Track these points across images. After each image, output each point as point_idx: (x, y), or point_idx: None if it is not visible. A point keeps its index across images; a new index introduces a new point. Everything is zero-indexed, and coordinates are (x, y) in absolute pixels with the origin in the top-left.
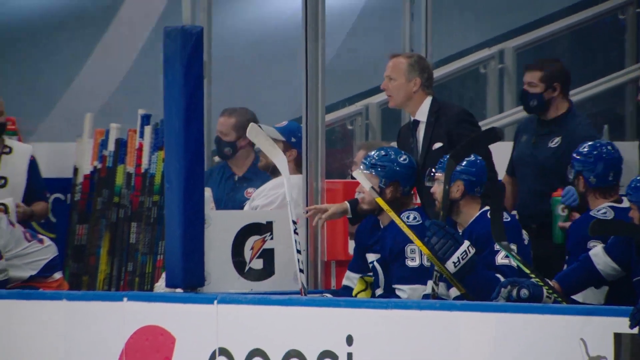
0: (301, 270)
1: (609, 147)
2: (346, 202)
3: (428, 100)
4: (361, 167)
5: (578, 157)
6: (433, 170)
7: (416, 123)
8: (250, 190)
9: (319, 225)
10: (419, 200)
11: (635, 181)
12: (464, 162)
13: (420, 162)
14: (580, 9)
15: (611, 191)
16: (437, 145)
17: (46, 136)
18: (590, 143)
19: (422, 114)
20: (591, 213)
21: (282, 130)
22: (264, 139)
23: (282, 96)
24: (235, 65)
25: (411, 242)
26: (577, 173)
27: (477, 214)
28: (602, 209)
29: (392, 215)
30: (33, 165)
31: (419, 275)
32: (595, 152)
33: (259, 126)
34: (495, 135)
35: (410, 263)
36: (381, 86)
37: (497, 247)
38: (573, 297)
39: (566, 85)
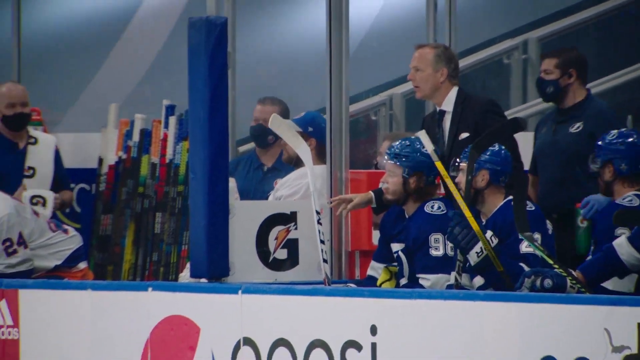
0: (325, 261)
1: (637, 136)
2: (370, 192)
3: (454, 90)
4: (385, 157)
5: (607, 145)
6: (457, 160)
7: (442, 113)
8: (279, 180)
9: (342, 215)
10: (443, 190)
11: None
12: (489, 152)
13: (446, 153)
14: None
15: (638, 179)
16: (464, 135)
17: (71, 127)
18: (617, 131)
19: (448, 104)
20: (617, 201)
21: (299, 121)
22: (287, 130)
23: (306, 87)
24: (260, 56)
25: (435, 231)
26: (607, 161)
27: (502, 203)
28: (628, 196)
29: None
30: (57, 155)
31: (443, 265)
32: (626, 140)
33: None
34: (519, 125)
35: (434, 252)
36: (408, 77)
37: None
38: (603, 284)
39: (583, 72)
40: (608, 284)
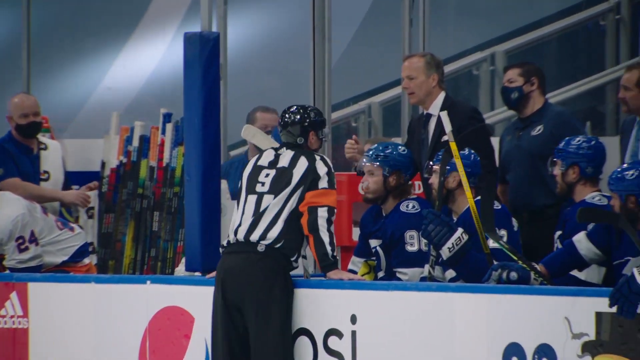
0: (304, 257)
1: (599, 141)
2: None
3: (442, 95)
4: (363, 160)
5: (573, 149)
6: (431, 163)
7: (429, 116)
8: None
9: None
10: (419, 191)
11: (616, 172)
12: (460, 156)
13: (429, 153)
14: (565, 15)
15: (597, 181)
16: (446, 137)
17: (76, 133)
18: (582, 137)
19: (435, 108)
20: (587, 200)
21: (275, 133)
22: (261, 138)
23: (290, 96)
24: (248, 67)
25: (410, 228)
26: (573, 164)
27: None
28: (596, 196)
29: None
30: (63, 160)
31: (418, 259)
32: (591, 144)
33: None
34: (486, 131)
35: (409, 248)
36: (402, 86)
37: None
38: (576, 275)
39: (543, 82)
40: (581, 274)
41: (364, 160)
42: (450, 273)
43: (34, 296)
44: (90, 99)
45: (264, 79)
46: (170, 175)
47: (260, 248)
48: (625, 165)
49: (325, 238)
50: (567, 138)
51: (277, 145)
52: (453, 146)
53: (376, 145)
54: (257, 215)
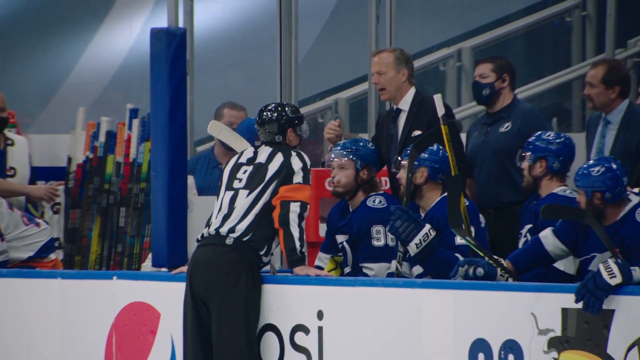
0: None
1: (569, 138)
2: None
3: (412, 91)
4: (332, 155)
5: (542, 144)
6: (399, 158)
7: (398, 111)
8: None
9: None
10: (386, 187)
11: (582, 168)
12: (428, 152)
13: (398, 148)
14: (531, 12)
15: (564, 177)
16: (417, 133)
17: (43, 128)
18: (553, 132)
19: (405, 103)
20: (558, 192)
21: (240, 128)
22: (228, 134)
23: (257, 92)
24: (215, 63)
25: (376, 223)
26: (540, 157)
27: (439, 198)
28: (567, 189)
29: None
30: (29, 156)
31: (384, 254)
32: (560, 140)
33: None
34: (454, 127)
35: (375, 243)
36: (372, 81)
37: None
38: (555, 265)
39: (513, 79)
40: (559, 265)
41: (333, 155)
42: (417, 269)
43: (0, 292)
44: (57, 94)
45: (231, 75)
46: (137, 171)
47: (229, 241)
48: (591, 161)
49: (295, 233)
50: (538, 133)
51: (243, 141)
52: (445, 129)
53: (344, 141)
54: (230, 210)
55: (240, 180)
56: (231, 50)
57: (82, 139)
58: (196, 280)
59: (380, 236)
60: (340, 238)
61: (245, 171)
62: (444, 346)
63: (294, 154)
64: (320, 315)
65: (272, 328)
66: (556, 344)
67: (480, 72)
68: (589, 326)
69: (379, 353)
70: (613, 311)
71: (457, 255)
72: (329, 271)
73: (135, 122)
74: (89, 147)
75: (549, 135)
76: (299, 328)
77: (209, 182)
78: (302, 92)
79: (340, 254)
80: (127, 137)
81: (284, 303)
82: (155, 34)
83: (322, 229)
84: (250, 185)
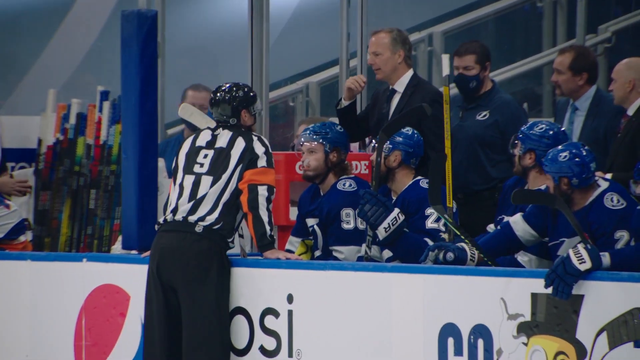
0: (241, 236)
1: (562, 132)
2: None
3: (409, 73)
4: (301, 140)
5: (533, 136)
6: (374, 141)
7: (393, 92)
8: None
9: None
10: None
11: (549, 153)
12: (403, 135)
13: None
14: None
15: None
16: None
17: (13, 110)
18: (545, 124)
19: (400, 85)
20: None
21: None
22: (199, 117)
23: (228, 75)
24: (186, 46)
25: (346, 206)
26: (530, 149)
27: (411, 182)
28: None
29: None
30: None
31: (354, 237)
32: (551, 134)
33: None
34: (424, 111)
35: (345, 226)
36: (368, 61)
37: (427, 212)
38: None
39: (490, 64)
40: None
41: (302, 139)
42: (387, 253)
43: None
44: (27, 76)
45: (201, 58)
46: (107, 153)
47: (198, 229)
48: (559, 147)
49: (265, 217)
50: (532, 122)
51: (214, 124)
52: (446, 90)
53: (313, 125)
54: (198, 198)
55: (202, 165)
56: (202, 34)
57: (53, 120)
58: (165, 267)
59: (350, 219)
60: (311, 221)
61: (206, 155)
62: (414, 330)
63: (255, 138)
64: (290, 298)
65: (242, 311)
66: (525, 329)
67: (464, 64)
68: (558, 311)
69: (349, 336)
70: (582, 296)
71: (427, 239)
72: (299, 255)
73: (106, 105)
74: (59, 129)
75: (541, 128)
76: (269, 311)
77: None
78: (273, 76)
79: (311, 237)
80: (98, 119)
81: (254, 286)
82: (126, 16)
83: (293, 212)
84: (213, 171)
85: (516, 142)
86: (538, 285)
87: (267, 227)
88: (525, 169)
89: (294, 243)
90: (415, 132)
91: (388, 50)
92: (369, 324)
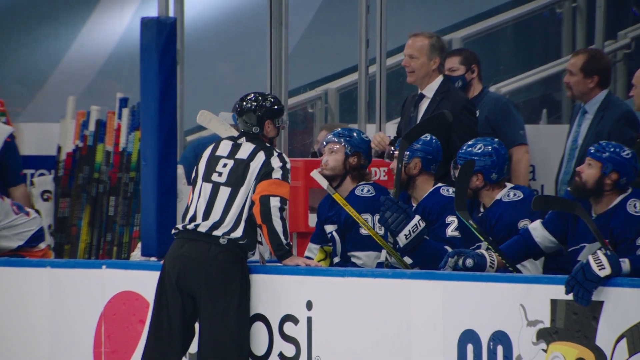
0: (260, 243)
1: (498, 143)
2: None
3: (439, 79)
4: (324, 142)
5: (476, 157)
6: (392, 148)
7: (421, 96)
8: None
9: None
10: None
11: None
12: (421, 142)
13: None
14: (521, 3)
15: (504, 183)
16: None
17: (33, 117)
18: (482, 142)
19: (429, 90)
20: (503, 200)
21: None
22: (218, 124)
23: (247, 82)
24: (205, 53)
25: (364, 212)
26: (477, 171)
27: (431, 189)
28: (509, 192)
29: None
30: (9, 146)
31: (372, 243)
32: (491, 149)
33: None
34: (445, 118)
35: (363, 231)
36: (403, 63)
37: (448, 220)
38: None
39: (480, 70)
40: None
41: (325, 141)
42: (407, 259)
43: None
44: (47, 83)
45: (221, 64)
46: (127, 160)
47: (223, 241)
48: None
49: (279, 228)
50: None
51: (233, 130)
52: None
53: (340, 128)
54: (220, 210)
55: (221, 174)
56: (221, 40)
57: (72, 127)
58: (187, 276)
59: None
60: (329, 228)
61: (225, 164)
62: (433, 337)
63: (275, 154)
64: (309, 305)
65: (261, 318)
66: (545, 335)
67: (449, 65)
68: (578, 317)
69: (368, 343)
70: (602, 303)
71: (447, 247)
72: (318, 261)
73: (125, 111)
74: (78, 136)
75: (478, 147)
76: (288, 318)
77: None
78: (292, 82)
79: (330, 243)
80: (117, 126)
81: (274, 293)
82: (146, 23)
83: (312, 219)
84: (232, 182)
85: (455, 163)
86: (558, 291)
87: (282, 238)
88: (475, 191)
89: (312, 250)
90: (434, 138)
91: (425, 55)
92: (388, 330)
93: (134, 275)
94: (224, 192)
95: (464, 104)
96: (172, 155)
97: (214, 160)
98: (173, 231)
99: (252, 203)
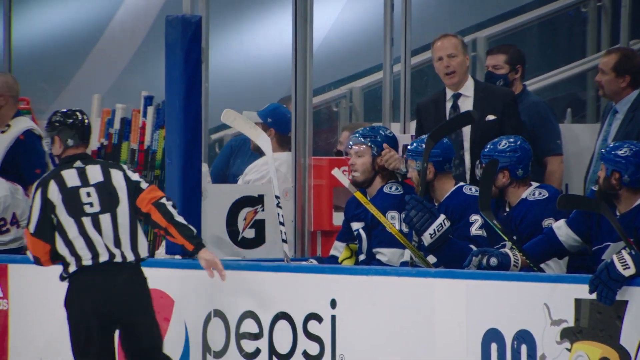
0: (284, 241)
1: (522, 139)
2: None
3: (471, 78)
4: (350, 143)
5: (502, 154)
6: (405, 157)
7: (458, 96)
8: None
9: (306, 199)
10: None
11: (612, 145)
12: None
13: (472, 133)
14: (546, 2)
15: (528, 180)
16: (491, 117)
17: None
18: (506, 139)
19: (467, 89)
20: (529, 199)
21: (261, 113)
22: (242, 122)
23: (272, 80)
24: (231, 51)
25: (391, 209)
26: (502, 168)
27: (453, 188)
28: (534, 190)
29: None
30: (21, 143)
31: (398, 240)
32: (515, 145)
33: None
34: (471, 117)
35: None
36: (444, 64)
37: (472, 219)
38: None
39: (524, 69)
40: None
41: (351, 142)
42: (431, 258)
43: (14, 278)
44: (72, 81)
45: (246, 62)
46: (151, 158)
47: (130, 264)
48: (624, 142)
49: (183, 221)
50: (494, 140)
51: (257, 129)
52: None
53: (362, 128)
54: (106, 234)
55: (92, 204)
56: (246, 38)
57: (97, 125)
58: (115, 306)
59: (395, 222)
60: (356, 225)
61: (89, 193)
62: (457, 336)
63: (125, 167)
64: (333, 303)
65: (285, 316)
66: (569, 335)
67: (493, 63)
68: (602, 317)
69: (392, 342)
70: (626, 302)
71: (471, 246)
72: (343, 259)
73: (150, 110)
74: (103, 134)
75: (504, 145)
76: (312, 316)
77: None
78: (316, 81)
79: (356, 241)
80: (142, 124)
81: (297, 291)
82: (171, 21)
83: (336, 218)
84: (108, 207)
85: (479, 163)
86: (582, 290)
87: (192, 227)
88: (501, 189)
89: (338, 248)
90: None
91: (461, 53)
92: (412, 329)
93: (158, 273)
94: (106, 219)
95: (512, 96)
96: (197, 154)
97: (72, 195)
98: (74, 267)
99: (146, 214)
